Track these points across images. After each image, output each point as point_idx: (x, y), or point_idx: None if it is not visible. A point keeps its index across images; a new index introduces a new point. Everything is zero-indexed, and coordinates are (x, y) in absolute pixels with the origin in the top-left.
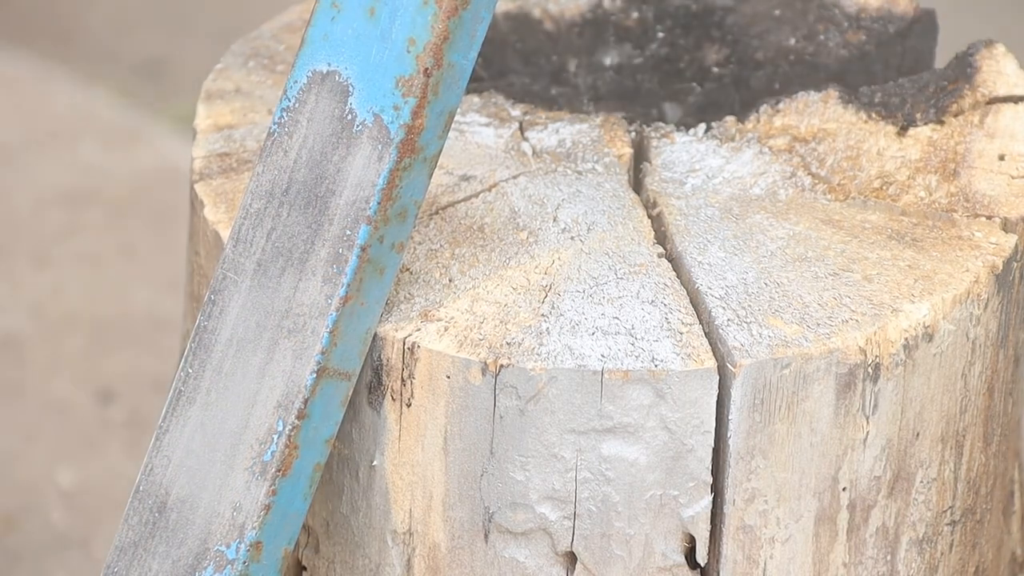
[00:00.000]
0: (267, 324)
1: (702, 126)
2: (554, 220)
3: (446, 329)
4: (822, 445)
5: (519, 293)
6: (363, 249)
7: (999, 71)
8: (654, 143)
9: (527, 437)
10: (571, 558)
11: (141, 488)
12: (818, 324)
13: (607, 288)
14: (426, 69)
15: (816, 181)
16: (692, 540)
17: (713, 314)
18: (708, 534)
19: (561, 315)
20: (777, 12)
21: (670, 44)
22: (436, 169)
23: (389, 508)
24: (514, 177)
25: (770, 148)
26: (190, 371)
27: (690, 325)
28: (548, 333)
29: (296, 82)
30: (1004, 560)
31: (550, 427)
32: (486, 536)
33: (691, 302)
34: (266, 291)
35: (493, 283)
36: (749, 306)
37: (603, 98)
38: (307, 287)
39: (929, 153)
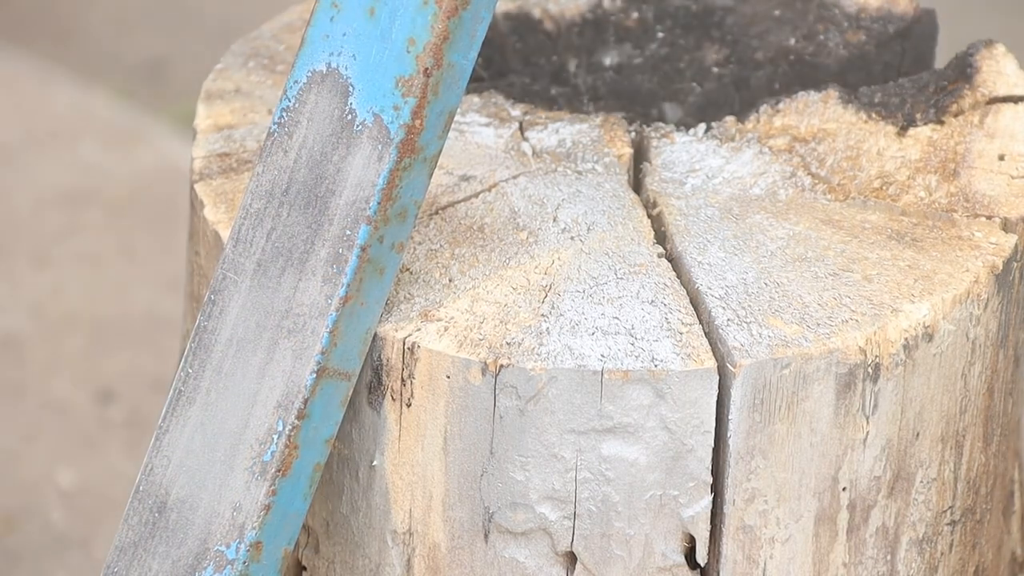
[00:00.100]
0: (267, 324)
1: (702, 126)
2: (554, 220)
3: (446, 329)
4: (822, 445)
5: (519, 293)
6: (363, 249)
7: (999, 71)
8: (654, 143)
9: (527, 437)
10: (571, 558)
11: (141, 488)
12: (818, 324)
13: (607, 288)
14: (426, 69)
15: (816, 181)
16: (692, 540)
17: (713, 314)
18: (708, 534)
19: (561, 315)
20: (777, 12)
21: (670, 44)
22: (436, 169)
23: (389, 508)
24: (514, 177)
25: (770, 148)
26: (190, 371)
27: (690, 325)
28: (548, 333)
29: (296, 82)
30: (1004, 560)
31: (550, 427)
32: (486, 536)
33: (691, 302)
34: (266, 291)
35: (493, 283)
36: (749, 306)
37: (603, 98)
38: (307, 287)
39: (929, 153)
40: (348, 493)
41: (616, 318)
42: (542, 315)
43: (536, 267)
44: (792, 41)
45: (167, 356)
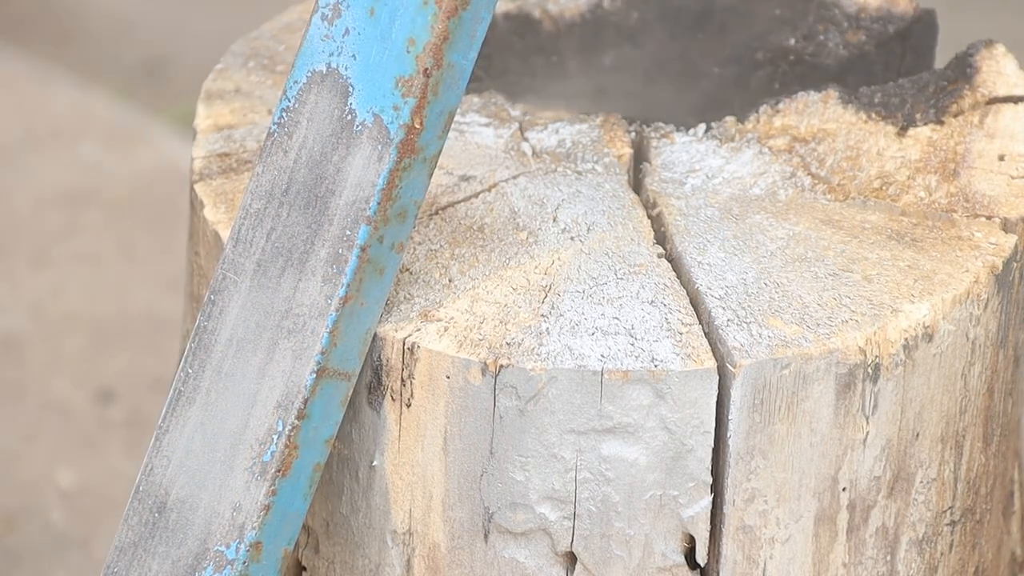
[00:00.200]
0: (267, 324)
1: (702, 126)
2: (554, 220)
3: (446, 329)
4: (822, 445)
5: (519, 293)
6: (363, 249)
7: (999, 71)
8: (654, 143)
9: (527, 437)
10: (571, 558)
11: (141, 488)
12: (818, 324)
13: (607, 288)
14: (426, 69)
15: (816, 181)
16: (692, 540)
17: (713, 314)
18: (708, 534)
19: (561, 315)
20: (777, 12)
21: (670, 44)
22: (436, 169)
23: (389, 508)
24: (514, 177)
25: (770, 148)
26: (190, 371)
27: (690, 325)
28: (548, 333)
29: (296, 82)
30: (1004, 560)
31: (550, 427)
32: (486, 536)
33: (691, 302)
34: (266, 291)
35: (493, 283)
36: (749, 306)
37: (603, 98)
38: (307, 287)
39: (929, 153)
40: (348, 493)
41: (616, 318)
42: (542, 315)
43: (536, 267)
44: (792, 41)
45: (167, 356)
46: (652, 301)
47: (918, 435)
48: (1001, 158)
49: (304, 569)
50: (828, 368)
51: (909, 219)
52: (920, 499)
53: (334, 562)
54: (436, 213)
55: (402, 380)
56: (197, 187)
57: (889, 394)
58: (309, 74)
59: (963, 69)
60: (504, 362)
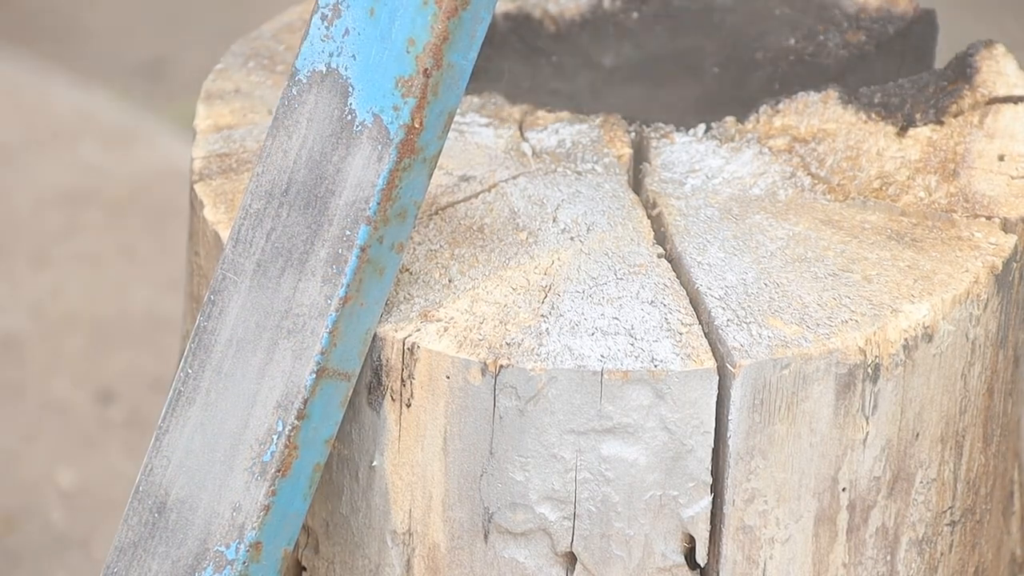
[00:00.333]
0: (267, 324)
1: (702, 126)
2: (554, 220)
3: (446, 329)
4: (822, 445)
5: (519, 293)
6: (363, 249)
7: (999, 71)
8: (654, 143)
9: (527, 437)
10: (571, 558)
11: (141, 488)
12: (818, 324)
13: (607, 288)
14: (426, 69)
15: (816, 181)
16: (692, 540)
17: (713, 314)
18: (708, 534)
19: (561, 315)
20: (777, 12)
21: (670, 44)
22: (436, 169)
23: (389, 508)
24: (514, 177)
25: (770, 148)
26: (190, 371)
27: (690, 325)
28: (548, 333)
29: (296, 82)
30: (1004, 560)
31: (550, 427)
32: (486, 536)
33: (691, 302)
34: (266, 291)
35: (493, 283)
36: (749, 306)
37: (603, 98)
38: (307, 287)
39: (929, 153)
40: (348, 493)
41: (616, 318)
42: (542, 315)
43: (536, 267)
44: (792, 41)
45: (167, 356)
46: (652, 301)
47: (918, 435)
48: (1001, 158)
49: (304, 569)
50: (828, 368)
51: (909, 219)
52: (920, 499)
53: (334, 562)
54: (436, 213)
55: (402, 380)
56: (197, 187)
57: (889, 394)
58: (309, 74)
59: (963, 69)
60: (504, 362)
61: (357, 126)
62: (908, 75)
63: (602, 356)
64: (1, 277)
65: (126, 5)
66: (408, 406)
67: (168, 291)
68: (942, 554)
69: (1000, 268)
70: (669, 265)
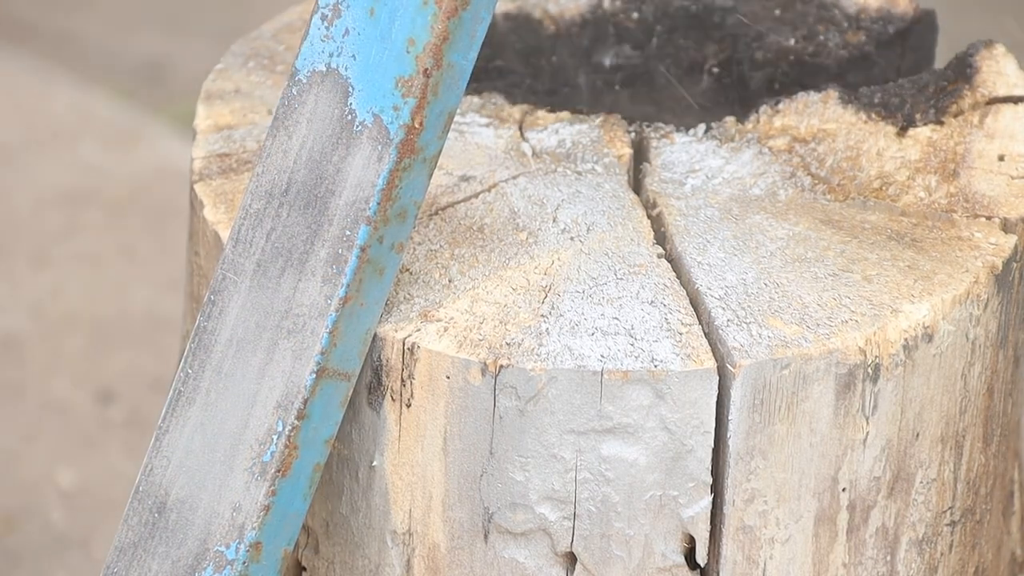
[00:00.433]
0: (267, 324)
1: (702, 126)
2: (554, 220)
3: (446, 329)
4: (822, 445)
5: (519, 293)
6: (363, 249)
7: (999, 71)
8: (654, 143)
9: (527, 437)
10: (571, 558)
11: (141, 488)
12: (818, 324)
13: (607, 288)
14: (426, 69)
15: (816, 181)
16: (692, 540)
17: (713, 314)
18: (708, 534)
19: (561, 315)
20: (777, 12)
21: (670, 44)
22: (436, 169)
23: (389, 508)
24: (514, 177)
25: (770, 148)
26: (190, 371)
27: (690, 326)
28: (548, 333)
29: (296, 82)
30: (1004, 560)
31: (550, 427)
32: (486, 536)
33: (691, 302)
34: (266, 291)
35: (493, 283)
36: (749, 306)
37: (603, 98)
38: (307, 287)
39: (929, 153)
40: (348, 493)
41: (616, 318)
42: (542, 315)
43: (536, 267)
44: (792, 41)
45: (167, 356)
46: (652, 301)
47: (918, 435)
48: (1001, 158)
49: (304, 569)
50: (828, 368)
51: (909, 219)
52: (920, 499)
53: (334, 562)
54: (436, 213)
55: (402, 380)
56: (197, 187)
57: (889, 394)
58: (309, 74)
59: (963, 69)
60: (504, 362)
61: (357, 126)
62: (908, 75)
63: (602, 356)
64: (1, 277)
65: (126, 5)
66: (408, 406)
67: (168, 291)
68: (942, 554)
69: (1000, 268)
70: (669, 265)
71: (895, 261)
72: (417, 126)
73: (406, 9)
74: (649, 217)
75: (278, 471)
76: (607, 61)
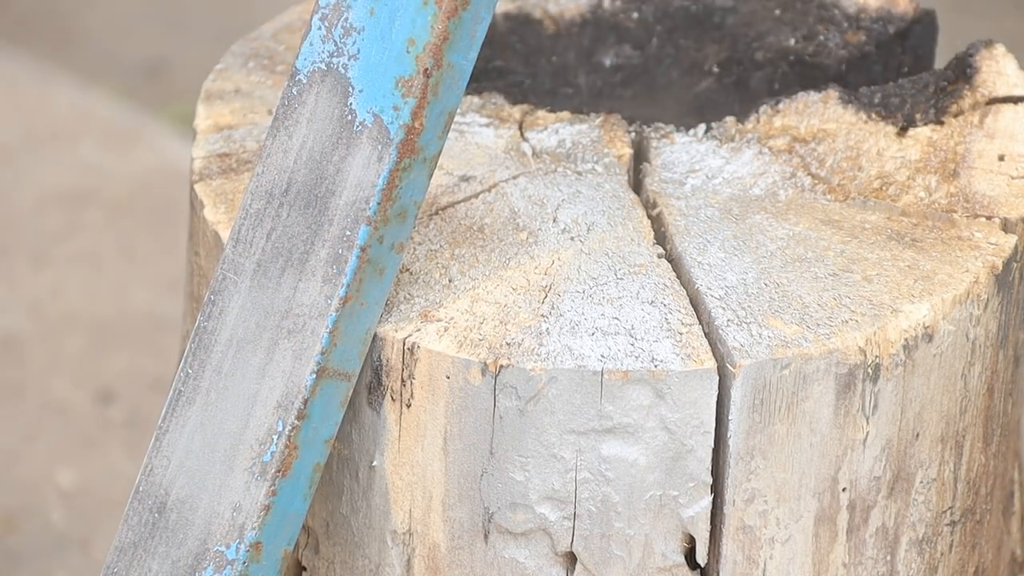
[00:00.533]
0: (267, 324)
1: (702, 126)
2: (554, 220)
3: (446, 329)
4: (822, 445)
5: (519, 293)
6: (363, 249)
7: (999, 71)
8: (654, 143)
9: (527, 437)
10: (571, 558)
11: (141, 488)
12: (818, 324)
13: (607, 288)
14: (426, 70)
15: (816, 181)
16: (692, 540)
17: (713, 314)
18: (708, 534)
19: (561, 315)
20: (777, 12)
21: (670, 44)
22: (436, 169)
23: (389, 508)
24: (514, 177)
25: (770, 148)
26: (190, 371)
27: (690, 325)
28: (548, 333)
29: (296, 82)
30: (1004, 560)
31: (550, 427)
32: (486, 536)
33: (691, 302)
34: (266, 291)
35: (493, 283)
36: (749, 306)
37: (603, 98)
38: (307, 287)
39: (929, 153)
40: (348, 493)
41: (616, 318)
42: (542, 315)
43: (536, 267)
44: (792, 41)
45: (167, 356)
46: (652, 301)
47: (918, 435)
48: (1001, 158)
49: (304, 569)
50: (828, 368)
51: (909, 219)
52: (920, 499)
53: (334, 562)
54: (436, 213)
55: (402, 380)
56: (197, 187)
57: (889, 394)
58: (309, 74)
59: (963, 69)
60: (504, 362)
61: (357, 126)
62: (908, 75)
63: (602, 356)
64: (1, 277)
65: (126, 5)
66: (408, 406)
67: (168, 291)
68: (942, 554)
69: (1000, 268)
70: (669, 265)
71: (895, 261)
72: (417, 126)
73: (406, 9)
74: (649, 217)
75: (278, 471)
76: (607, 61)
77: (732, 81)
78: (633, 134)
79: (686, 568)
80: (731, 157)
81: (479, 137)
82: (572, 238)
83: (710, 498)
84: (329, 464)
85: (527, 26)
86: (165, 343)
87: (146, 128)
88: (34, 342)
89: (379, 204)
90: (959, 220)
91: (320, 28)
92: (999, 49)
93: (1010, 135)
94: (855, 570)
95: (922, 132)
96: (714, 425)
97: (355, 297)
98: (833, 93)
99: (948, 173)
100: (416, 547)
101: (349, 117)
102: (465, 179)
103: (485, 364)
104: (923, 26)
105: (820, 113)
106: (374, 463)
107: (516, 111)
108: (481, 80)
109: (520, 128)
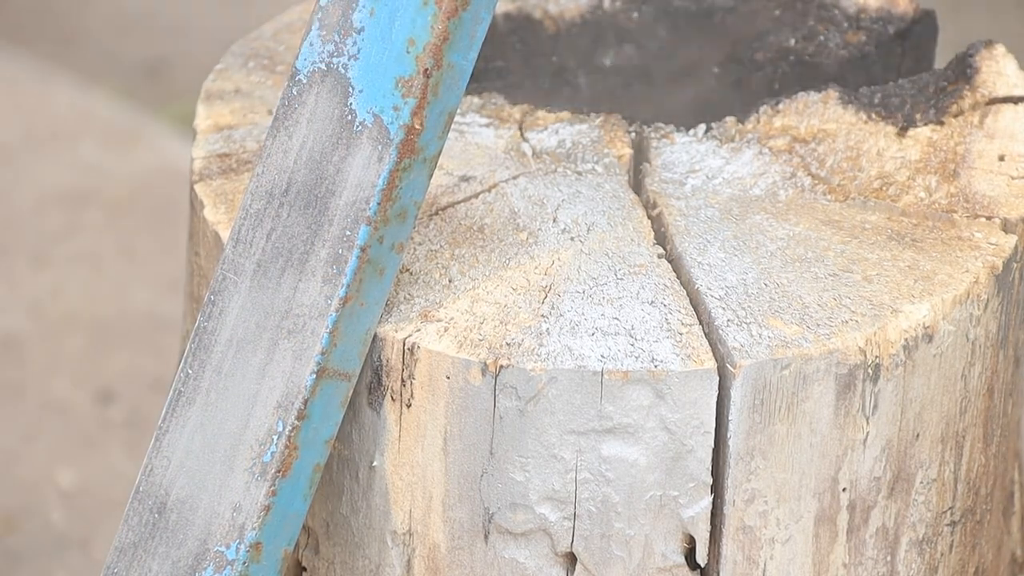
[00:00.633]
0: (267, 325)
1: (702, 126)
2: (554, 221)
3: (446, 330)
4: (822, 446)
5: (519, 294)
6: (363, 250)
7: (999, 72)
8: (654, 143)
9: (527, 438)
10: (571, 559)
11: (141, 489)
12: (818, 325)
13: (607, 289)
14: (426, 70)
15: (816, 182)
16: (692, 541)
17: (713, 315)
18: (708, 535)
19: (561, 315)
20: (777, 12)
21: (670, 44)
22: (436, 169)
23: (389, 509)
24: (514, 178)
25: (770, 149)
26: (190, 372)
27: (690, 326)
28: (548, 334)
29: (296, 82)
30: (1004, 561)
31: (550, 428)
32: (486, 536)
33: (691, 303)
34: (266, 292)
35: (493, 284)
36: (749, 307)
37: (603, 98)
38: (307, 288)
39: (929, 154)
40: (348, 494)
41: (616, 319)
42: (542, 316)
43: (536, 268)
44: (792, 41)
45: (167, 356)
46: (652, 301)
47: (918, 435)
48: (1001, 158)
49: (304, 569)
50: (828, 368)
51: (909, 219)
52: (920, 499)
53: (334, 563)
54: (436, 213)
55: (402, 380)
56: (197, 187)
57: (889, 394)
58: (309, 74)
59: (963, 69)
60: (504, 362)
61: (357, 126)
62: (908, 75)
63: (602, 356)
64: (1, 277)
65: (126, 5)
66: (408, 406)
67: (168, 291)
68: (942, 554)
69: (1000, 268)
70: (669, 265)
71: (895, 261)
72: (417, 126)
73: (406, 9)
74: (649, 217)
75: (278, 471)
76: (607, 61)
77: (732, 81)
78: (633, 134)
79: (686, 568)
80: (731, 157)
81: (479, 137)
82: (572, 238)
83: (710, 498)
84: (329, 464)
85: (527, 26)
86: (165, 343)
87: (146, 128)
88: (34, 342)
89: (379, 204)
90: (959, 220)
91: (320, 28)
92: (999, 49)
93: (1010, 135)
94: (855, 570)
95: (922, 132)
96: (714, 425)
97: (355, 297)
98: (833, 93)
99: (948, 173)
100: (416, 547)
101: (349, 117)
102: (465, 179)
103: (485, 364)
104: (923, 26)
105: (820, 113)
106: (374, 463)
107: (516, 111)
108: (481, 80)
109: (520, 128)
